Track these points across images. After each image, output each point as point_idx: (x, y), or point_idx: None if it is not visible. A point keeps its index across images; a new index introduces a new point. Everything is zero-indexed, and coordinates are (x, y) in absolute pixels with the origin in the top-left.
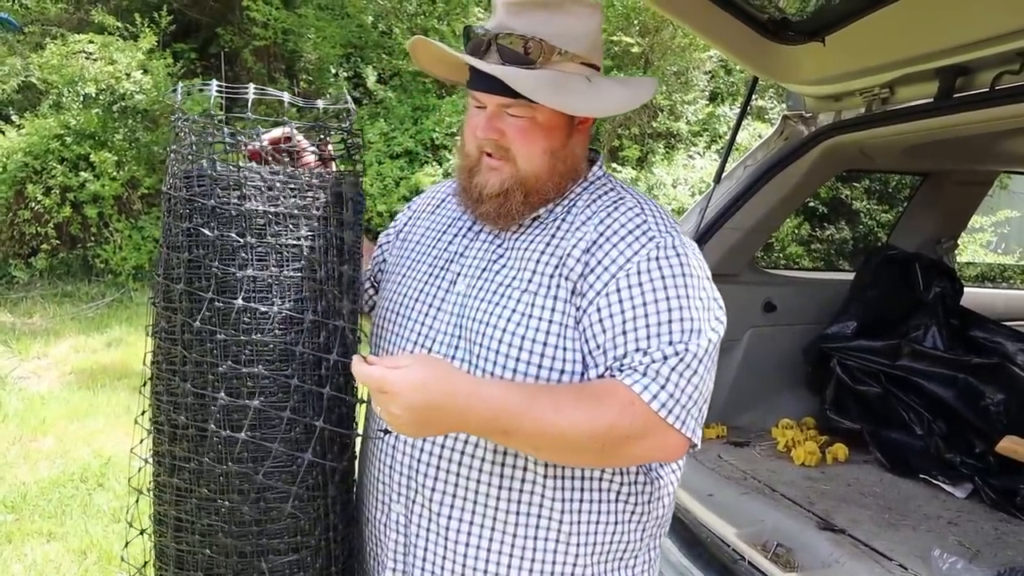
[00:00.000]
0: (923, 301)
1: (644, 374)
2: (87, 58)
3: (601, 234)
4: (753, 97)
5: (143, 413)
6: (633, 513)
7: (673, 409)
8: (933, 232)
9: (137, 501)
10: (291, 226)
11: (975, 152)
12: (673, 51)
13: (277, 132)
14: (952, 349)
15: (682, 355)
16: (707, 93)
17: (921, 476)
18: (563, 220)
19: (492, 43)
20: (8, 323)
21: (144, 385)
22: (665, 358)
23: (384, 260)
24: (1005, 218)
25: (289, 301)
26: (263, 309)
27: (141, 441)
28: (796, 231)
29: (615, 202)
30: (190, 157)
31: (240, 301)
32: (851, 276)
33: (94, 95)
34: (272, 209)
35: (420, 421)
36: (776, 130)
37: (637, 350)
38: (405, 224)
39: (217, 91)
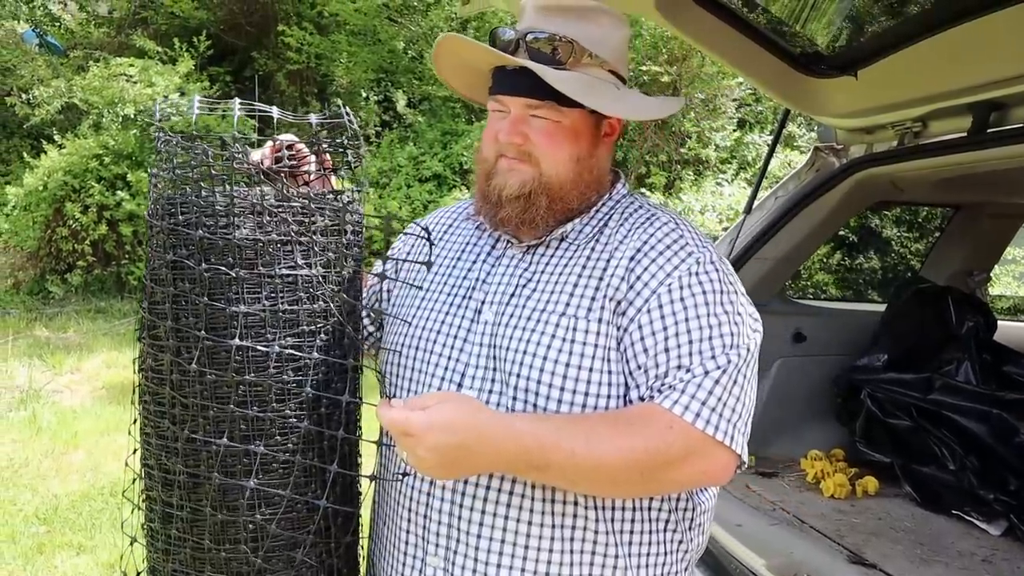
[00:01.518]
0: (955, 335)
1: (683, 391)
2: (127, 81)
3: (639, 249)
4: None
5: (135, 452)
6: (681, 542)
7: (719, 424)
8: (965, 264)
9: (132, 544)
10: (285, 254)
11: (1009, 186)
12: (701, 79)
13: (271, 144)
14: (985, 384)
15: (724, 367)
16: (735, 120)
17: (954, 512)
18: (596, 241)
19: (521, 43)
20: (43, 337)
21: (134, 422)
22: (707, 372)
23: (386, 290)
24: None
25: (286, 337)
26: (261, 348)
27: (134, 481)
28: (824, 260)
29: (648, 218)
30: (173, 180)
31: (236, 341)
32: (881, 307)
33: (132, 116)
34: (263, 237)
35: (449, 463)
36: (807, 162)
37: (679, 367)
38: (408, 252)
39: (199, 105)
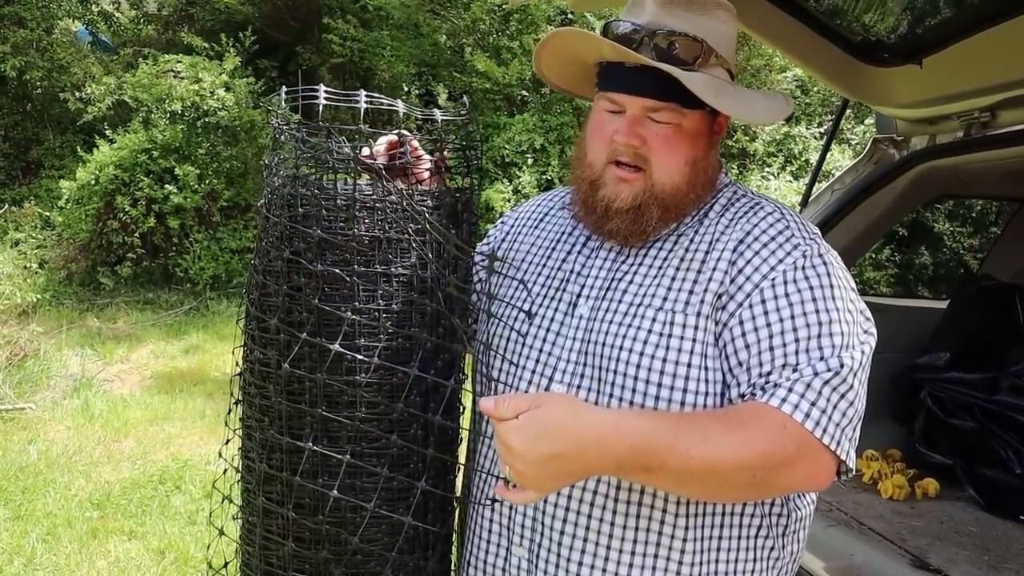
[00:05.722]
0: None
1: (791, 390)
2: (175, 77)
3: (741, 240)
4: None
5: (227, 443)
6: (773, 550)
7: (828, 428)
8: None
9: (221, 534)
10: (402, 252)
11: None
12: (749, 71)
13: (388, 138)
14: None
15: (836, 370)
16: None
17: (1021, 518)
18: (696, 231)
19: (648, 40)
20: (95, 328)
21: (229, 413)
22: (816, 374)
23: (480, 281)
24: None
25: (397, 338)
26: (364, 359)
27: (224, 472)
28: (873, 256)
29: (752, 207)
30: (292, 172)
31: (337, 347)
32: (937, 304)
33: (180, 112)
34: (383, 235)
35: (553, 474)
36: (866, 154)
37: (785, 366)
38: (503, 241)
39: (325, 98)
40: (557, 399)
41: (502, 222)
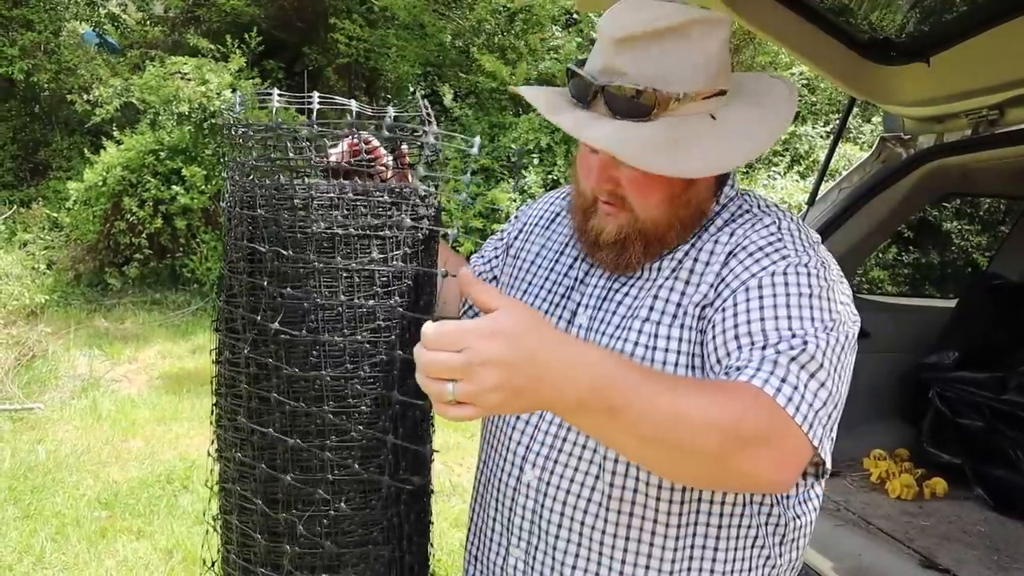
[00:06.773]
0: None
1: (759, 368)
2: (182, 78)
3: (731, 253)
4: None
5: (213, 443)
6: (769, 558)
7: (800, 407)
8: None
9: (208, 532)
10: (362, 248)
11: None
12: (753, 70)
13: (346, 142)
14: None
15: (805, 347)
16: None
17: None
18: (692, 245)
19: (599, 94)
20: (103, 328)
21: (212, 413)
22: (780, 352)
23: (494, 278)
24: None
25: (362, 332)
26: (336, 340)
27: (211, 472)
28: (880, 255)
29: (751, 221)
30: (250, 171)
31: (330, 336)
32: (946, 303)
33: (187, 113)
34: (341, 231)
35: (506, 384)
36: (873, 153)
37: (752, 346)
38: (516, 238)
39: (279, 99)
40: (528, 308)
41: (515, 217)
